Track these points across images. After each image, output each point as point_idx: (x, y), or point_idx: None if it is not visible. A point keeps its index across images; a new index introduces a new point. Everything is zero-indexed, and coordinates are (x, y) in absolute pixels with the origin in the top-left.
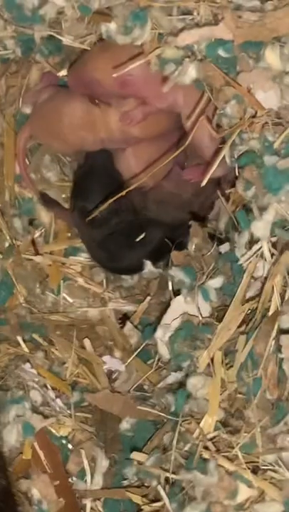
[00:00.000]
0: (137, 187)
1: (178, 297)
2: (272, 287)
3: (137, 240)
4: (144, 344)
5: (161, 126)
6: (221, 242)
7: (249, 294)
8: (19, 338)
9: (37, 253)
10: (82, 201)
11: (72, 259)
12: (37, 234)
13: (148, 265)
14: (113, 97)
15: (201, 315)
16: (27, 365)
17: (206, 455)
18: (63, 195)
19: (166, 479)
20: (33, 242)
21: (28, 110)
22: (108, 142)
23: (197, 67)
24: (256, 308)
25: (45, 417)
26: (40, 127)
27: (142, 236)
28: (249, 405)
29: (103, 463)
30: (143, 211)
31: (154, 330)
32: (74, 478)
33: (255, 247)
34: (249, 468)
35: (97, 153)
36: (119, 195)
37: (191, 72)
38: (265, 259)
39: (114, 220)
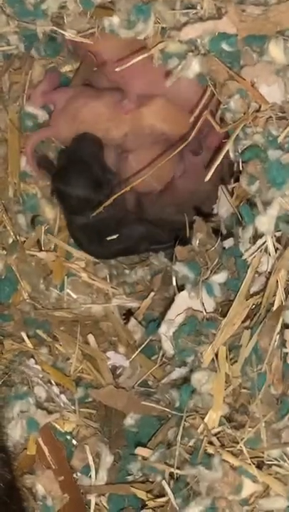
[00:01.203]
0: (145, 191)
1: (182, 292)
2: (277, 282)
3: (108, 238)
4: (148, 340)
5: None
6: (224, 237)
7: (253, 289)
8: (23, 334)
9: (41, 249)
10: (63, 185)
11: (75, 255)
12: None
13: (157, 256)
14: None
15: (205, 310)
16: (31, 361)
17: (210, 450)
18: None
19: (171, 474)
20: (38, 240)
21: (33, 110)
22: (132, 137)
23: (200, 61)
24: (260, 303)
25: (50, 412)
26: (66, 129)
27: (113, 237)
28: (254, 400)
29: (107, 458)
30: (143, 214)
31: (158, 325)
32: (78, 474)
33: (260, 242)
34: (254, 464)
35: (87, 139)
36: (124, 190)
37: (194, 66)
38: (270, 254)
39: (90, 212)
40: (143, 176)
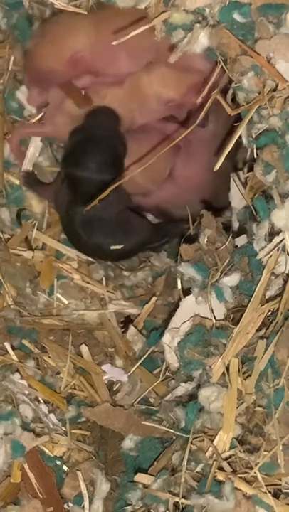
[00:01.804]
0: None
1: (188, 297)
2: None
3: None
4: (149, 351)
5: (196, 87)
6: (236, 234)
7: (269, 293)
8: (7, 345)
9: (31, 248)
10: (73, 167)
11: (67, 254)
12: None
13: (159, 256)
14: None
15: (214, 317)
16: (16, 376)
17: (220, 477)
18: None
19: (176, 505)
20: (26, 237)
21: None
22: (142, 114)
23: (209, 33)
24: (277, 309)
25: (37, 435)
26: (66, 126)
27: (118, 247)
28: (270, 420)
29: (103, 486)
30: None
31: (161, 335)
32: (70, 504)
33: (276, 240)
34: (270, 492)
35: (103, 112)
36: (113, 186)
37: (202, 39)
38: (288, 253)
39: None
40: (137, 172)
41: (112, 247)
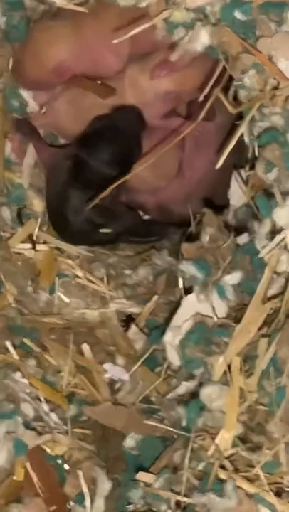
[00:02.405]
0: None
1: (189, 295)
2: None
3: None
4: (150, 350)
5: (195, 78)
6: (238, 232)
7: (271, 292)
8: (8, 344)
9: (34, 247)
10: (85, 151)
11: (68, 252)
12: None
13: (161, 254)
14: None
15: (216, 315)
16: (17, 375)
17: (222, 475)
18: None
19: (177, 503)
20: (30, 235)
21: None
22: (143, 110)
23: (210, 31)
24: (279, 307)
25: (39, 433)
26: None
27: (107, 230)
28: (272, 418)
29: (105, 485)
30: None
31: (163, 333)
32: (72, 503)
33: (278, 238)
34: (272, 491)
35: (133, 112)
36: (117, 183)
37: (203, 37)
38: None
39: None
40: (147, 169)
41: (102, 230)
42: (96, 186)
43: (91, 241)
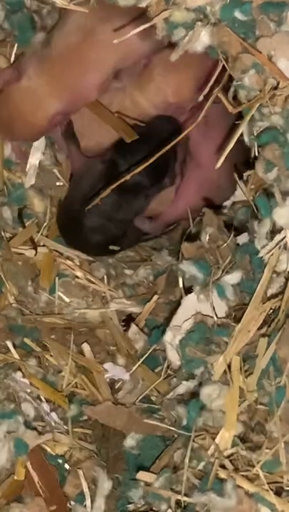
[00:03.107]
0: None
1: (189, 295)
2: None
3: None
4: (151, 349)
5: (190, 86)
6: (238, 232)
7: (271, 291)
8: (9, 344)
9: (35, 247)
10: (119, 158)
11: (68, 252)
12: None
13: (161, 254)
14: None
15: (216, 315)
16: (18, 374)
17: (222, 474)
18: (57, 183)
19: (178, 502)
20: (31, 237)
21: None
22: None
23: (210, 32)
24: (279, 307)
25: (39, 433)
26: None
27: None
28: (271, 418)
29: (105, 485)
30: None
31: (163, 333)
32: (72, 503)
33: (278, 238)
34: (272, 490)
35: (172, 123)
36: (114, 185)
37: (203, 37)
38: None
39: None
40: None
41: (111, 247)
42: (126, 193)
43: (101, 249)
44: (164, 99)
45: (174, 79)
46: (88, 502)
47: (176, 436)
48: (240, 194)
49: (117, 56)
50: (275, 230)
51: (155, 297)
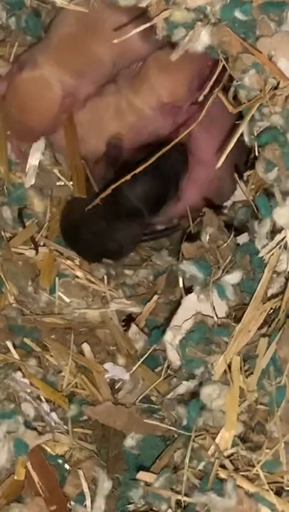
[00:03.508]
0: None
1: (190, 295)
2: None
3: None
4: (151, 349)
5: (184, 84)
6: (238, 232)
7: (271, 291)
8: (9, 344)
9: (36, 247)
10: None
11: (68, 252)
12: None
13: (161, 254)
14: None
15: (216, 315)
16: (18, 374)
17: (222, 474)
18: (57, 183)
19: (178, 502)
20: (32, 237)
21: None
22: (141, 126)
23: (210, 31)
24: (279, 307)
25: (39, 433)
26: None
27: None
28: (272, 418)
29: (105, 485)
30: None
31: (163, 333)
32: (72, 503)
33: (278, 238)
34: (272, 490)
35: (174, 152)
36: (114, 186)
37: (203, 37)
38: None
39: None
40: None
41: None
42: (122, 216)
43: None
44: (159, 99)
45: (168, 79)
46: (88, 502)
47: (176, 436)
48: (240, 194)
49: (117, 49)
50: (275, 230)
51: (155, 297)
